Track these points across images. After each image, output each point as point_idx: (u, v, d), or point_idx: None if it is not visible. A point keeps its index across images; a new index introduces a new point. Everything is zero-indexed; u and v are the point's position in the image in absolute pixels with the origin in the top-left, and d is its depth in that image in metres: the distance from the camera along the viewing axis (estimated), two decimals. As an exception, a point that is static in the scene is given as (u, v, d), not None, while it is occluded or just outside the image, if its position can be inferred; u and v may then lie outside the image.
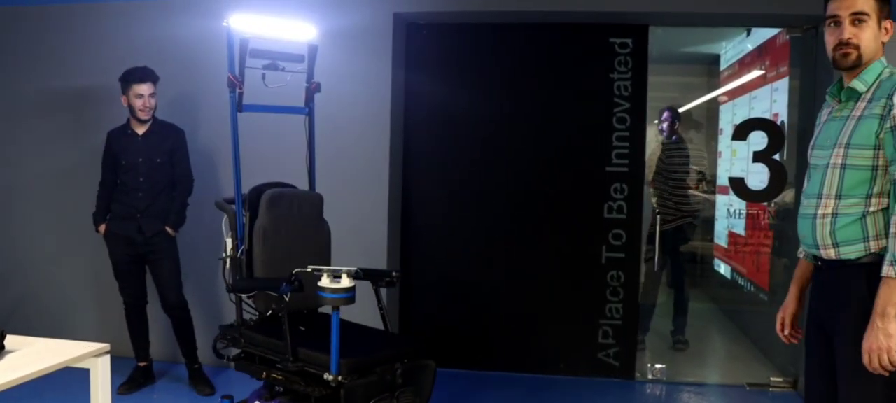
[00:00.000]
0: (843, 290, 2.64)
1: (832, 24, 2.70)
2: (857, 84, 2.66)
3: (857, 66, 2.66)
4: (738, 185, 5.58)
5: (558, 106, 5.53)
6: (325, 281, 3.37)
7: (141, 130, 4.96)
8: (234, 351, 3.95)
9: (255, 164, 4.67)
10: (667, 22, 5.51)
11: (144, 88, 4.87)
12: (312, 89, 4.26)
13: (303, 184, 4.30)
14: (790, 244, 5.70)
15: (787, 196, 5.68)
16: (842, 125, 2.66)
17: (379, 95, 5.32)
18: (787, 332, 3.00)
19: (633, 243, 5.54)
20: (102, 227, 5.02)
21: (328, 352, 3.39)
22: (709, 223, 7.91)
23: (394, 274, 3.97)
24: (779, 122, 5.71)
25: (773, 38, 6.17)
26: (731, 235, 7.06)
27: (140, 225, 4.92)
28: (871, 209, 2.58)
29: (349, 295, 3.37)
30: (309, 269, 3.46)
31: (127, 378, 5.12)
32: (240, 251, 3.80)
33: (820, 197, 2.69)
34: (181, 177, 5.04)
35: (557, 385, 5.43)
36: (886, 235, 2.53)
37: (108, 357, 2.88)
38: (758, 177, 5.49)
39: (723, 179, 7.25)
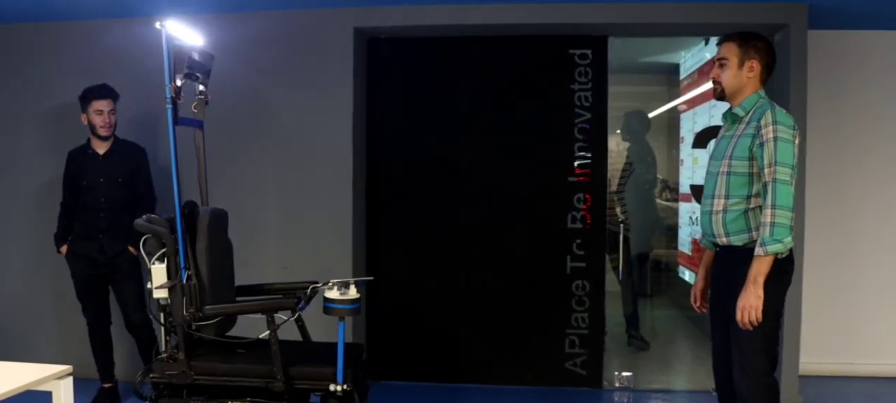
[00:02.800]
0: (733, 269, 3.38)
1: (716, 63, 3.57)
2: (738, 111, 3.47)
3: (723, 97, 3.54)
4: (699, 193, 5.64)
5: (521, 117, 5.56)
6: (333, 293, 3.38)
7: (102, 150, 4.92)
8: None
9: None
10: (625, 32, 5.58)
11: (104, 104, 4.83)
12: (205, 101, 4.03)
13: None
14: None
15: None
16: (728, 142, 3.46)
17: (341, 109, 5.32)
18: (698, 304, 3.84)
19: (596, 252, 5.56)
20: (64, 248, 4.97)
21: (322, 366, 3.45)
22: (673, 230, 8.01)
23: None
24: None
25: (731, 47, 6.24)
26: (695, 242, 7.14)
27: (102, 244, 4.87)
28: (751, 206, 3.36)
29: (357, 306, 3.40)
30: (330, 283, 3.46)
31: (91, 400, 5.06)
32: (185, 277, 3.53)
33: (713, 197, 3.48)
34: (143, 195, 5.00)
35: (526, 396, 5.44)
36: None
37: (70, 380, 2.84)
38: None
39: (685, 187, 7.33)
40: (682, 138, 7.82)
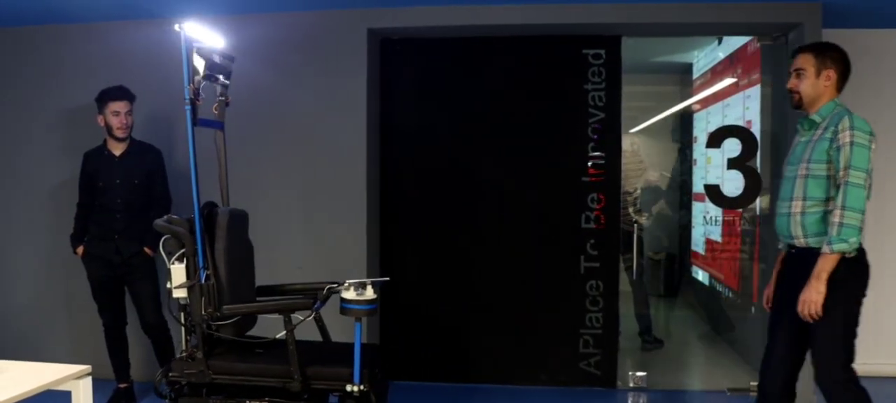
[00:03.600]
0: (810, 271, 3.44)
1: (791, 74, 3.71)
2: (816, 117, 3.63)
3: (800, 106, 3.68)
4: (713, 192, 5.64)
5: (534, 118, 5.56)
6: (350, 294, 3.39)
7: (118, 151, 4.95)
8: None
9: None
10: (638, 32, 5.56)
11: (121, 106, 4.86)
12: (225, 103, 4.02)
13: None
14: (766, 249, 5.76)
15: (763, 201, 5.74)
16: (804, 147, 3.61)
17: (355, 111, 5.33)
18: (769, 305, 3.89)
19: (610, 252, 5.56)
20: (80, 249, 5.00)
21: (339, 366, 3.47)
22: (686, 230, 8.00)
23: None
24: (752, 129, 5.77)
25: (744, 47, 6.25)
26: (708, 241, 7.13)
27: (118, 246, 4.90)
28: (830, 208, 3.47)
29: (374, 307, 3.41)
30: (346, 283, 3.44)
31: (108, 400, 5.09)
32: (204, 277, 3.54)
33: (791, 200, 3.61)
34: (159, 197, 5.03)
35: (540, 396, 5.44)
36: None
37: (89, 380, 2.87)
38: (733, 184, 5.54)
39: (698, 187, 7.32)
40: (696, 138, 7.81)
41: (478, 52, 5.60)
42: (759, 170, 5.49)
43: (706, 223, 6.92)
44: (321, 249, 5.41)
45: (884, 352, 5.94)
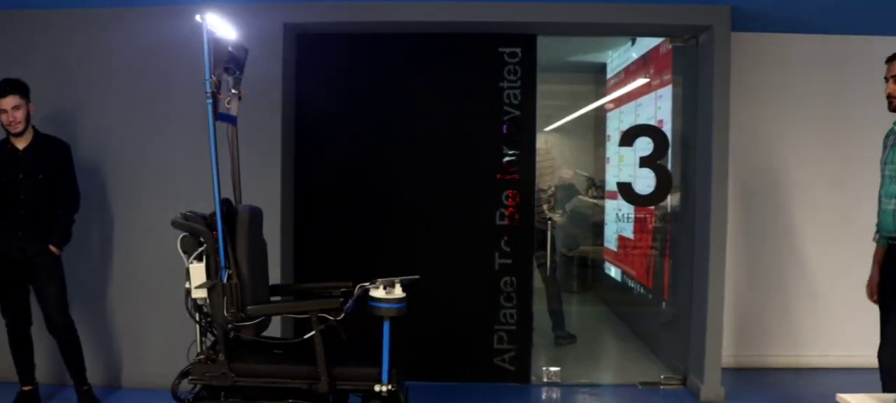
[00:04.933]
0: None
1: (888, 80, 3.78)
2: None
3: None
4: (625, 190, 5.74)
5: (450, 115, 5.57)
6: (379, 292, 3.38)
7: (21, 144, 4.77)
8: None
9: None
10: (554, 31, 5.62)
11: (6, 102, 4.65)
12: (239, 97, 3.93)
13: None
14: (677, 246, 5.90)
15: (674, 199, 5.87)
16: None
17: (270, 107, 5.25)
18: (875, 297, 3.98)
19: (524, 249, 5.62)
20: (-20, 246, 4.81)
21: (366, 366, 3.45)
22: (599, 227, 8.12)
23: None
24: (663, 128, 5.89)
25: (657, 48, 6.37)
26: (621, 239, 7.25)
27: (21, 243, 4.73)
28: None
29: (403, 306, 3.40)
30: (377, 282, 3.43)
31: (11, 402, 4.92)
32: (225, 276, 3.43)
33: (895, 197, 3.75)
34: (66, 192, 4.87)
35: (457, 392, 5.46)
36: None
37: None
38: (644, 182, 5.65)
39: (611, 185, 7.44)
40: (609, 136, 7.94)
41: (395, 48, 5.59)
42: (670, 169, 5.62)
43: (618, 220, 7.04)
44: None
45: (787, 345, 6.14)
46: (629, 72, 7.17)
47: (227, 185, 3.78)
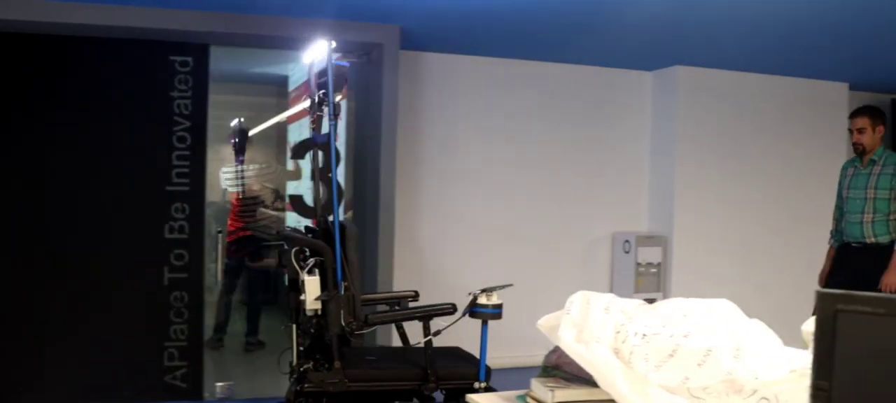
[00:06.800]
0: (878, 257, 5.30)
1: (853, 131, 5.46)
2: (874, 157, 5.41)
3: (863, 152, 5.44)
4: (297, 202, 5.77)
5: (118, 123, 5.33)
6: (482, 299, 3.60)
7: None
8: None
9: None
10: (227, 42, 5.55)
11: None
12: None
13: None
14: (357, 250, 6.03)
15: (347, 213, 6.00)
16: (866, 178, 5.41)
17: None
18: (824, 285, 5.64)
19: (196, 262, 5.49)
20: None
21: (465, 366, 3.83)
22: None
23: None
24: (338, 143, 6.01)
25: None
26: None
27: None
28: (891, 218, 5.31)
29: (499, 311, 3.63)
30: (479, 290, 3.61)
31: None
32: (342, 289, 3.66)
33: (863, 212, 5.38)
34: None
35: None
36: None
37: None
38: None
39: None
40: (290, 150, 7.98)
41: (72, 52, 5.27)
42: (342, 182, 5.74)
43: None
44: None
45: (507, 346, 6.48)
46: (309, 87, 7.23)
47: None
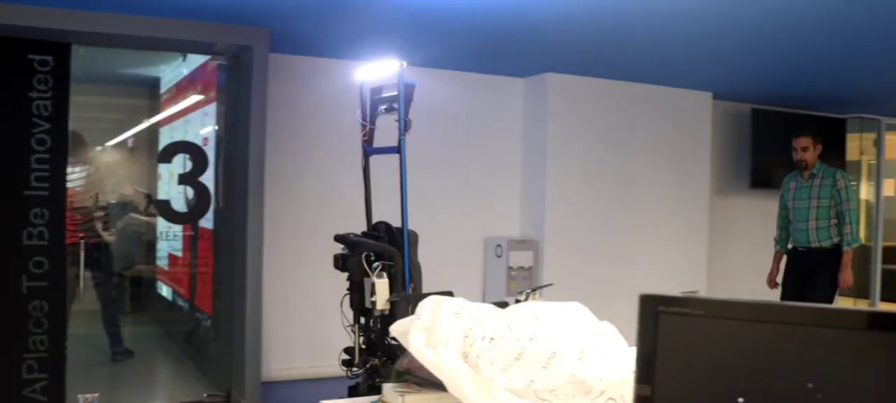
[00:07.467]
0: (821, 260, 6.10)
1: (797, 149, 6.15)
2: (815, 172, 6.14)
3: (806, 167, 6.13)
4: (164, 208, 5.65)
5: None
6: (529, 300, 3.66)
7: None
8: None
9: None
10: (91, 41, 5.38)
11: None
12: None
13: None
14: (220, 263, 5.93)
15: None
16: (809, 190, 6.15)
17: None
18: (772, 285, 6.39)
19: (57, 270, 5.27)
20: None
21: None
22: (153, 246, 7.93)
23: None
24: (208, 146, 5.90)
25: (205, 65, 6.37)
26: (171, 257, 7.14)
27: None
28: (832, 224, 6.05)
29: None
30: (533, 291, 3.61)
31: None
32: (409, 290, 3.93)
33: (808, 220, 6.12)
34: None
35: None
36: (839, 234, 6.06)
37: None
38: (184, 200, 5.61)
39: (162, 203, 7.29)
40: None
41: None
42: (212, 187, 5.63)
43: (166, 239, 6.91)
44: None
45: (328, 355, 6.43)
46: (180, 88, 7.10)
47: None
